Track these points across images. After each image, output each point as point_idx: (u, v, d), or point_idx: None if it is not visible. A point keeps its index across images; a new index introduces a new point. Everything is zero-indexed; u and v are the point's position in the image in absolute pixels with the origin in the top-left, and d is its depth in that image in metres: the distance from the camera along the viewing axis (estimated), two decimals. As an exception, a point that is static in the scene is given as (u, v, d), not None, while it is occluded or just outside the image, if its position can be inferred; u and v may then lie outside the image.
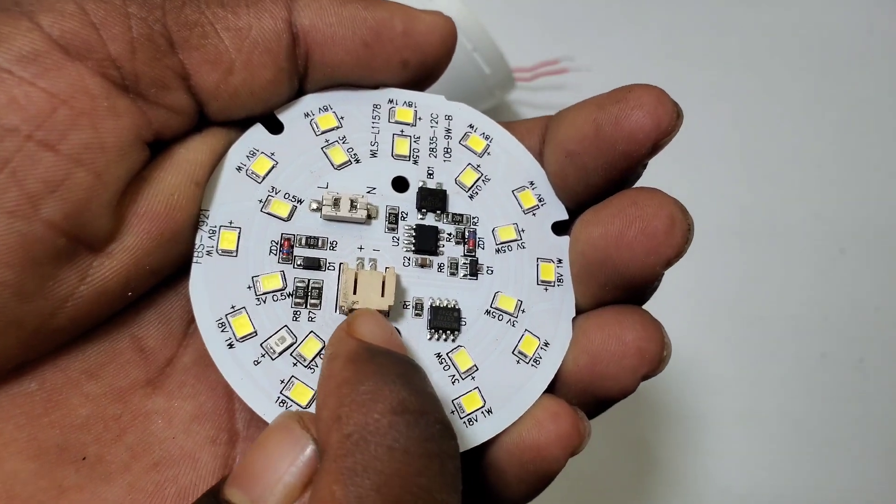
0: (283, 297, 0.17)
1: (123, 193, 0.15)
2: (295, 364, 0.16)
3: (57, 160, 0.14)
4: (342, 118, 0.19)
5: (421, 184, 0.19)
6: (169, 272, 0.17)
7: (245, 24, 0.16)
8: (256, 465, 0.13)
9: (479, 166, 0.20)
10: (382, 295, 0.17)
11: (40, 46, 0.14)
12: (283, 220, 0.18)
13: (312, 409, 0.16)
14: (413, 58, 0.18)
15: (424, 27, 0.18)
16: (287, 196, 0.18)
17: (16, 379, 0.16)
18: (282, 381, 0.16)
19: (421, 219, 0.19)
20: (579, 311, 0.19)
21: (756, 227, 0.43)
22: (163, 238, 0.16)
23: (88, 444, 0.16)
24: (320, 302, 0.17)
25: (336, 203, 0.18)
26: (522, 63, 0.41)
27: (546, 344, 0.18)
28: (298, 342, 0.17)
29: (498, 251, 0.19)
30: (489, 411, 0.17)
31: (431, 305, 0.18)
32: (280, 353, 0.16)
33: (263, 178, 0.18)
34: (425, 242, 0.18)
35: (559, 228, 0.19)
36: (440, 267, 0.18)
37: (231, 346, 0.16)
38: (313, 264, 0.17)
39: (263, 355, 0.16)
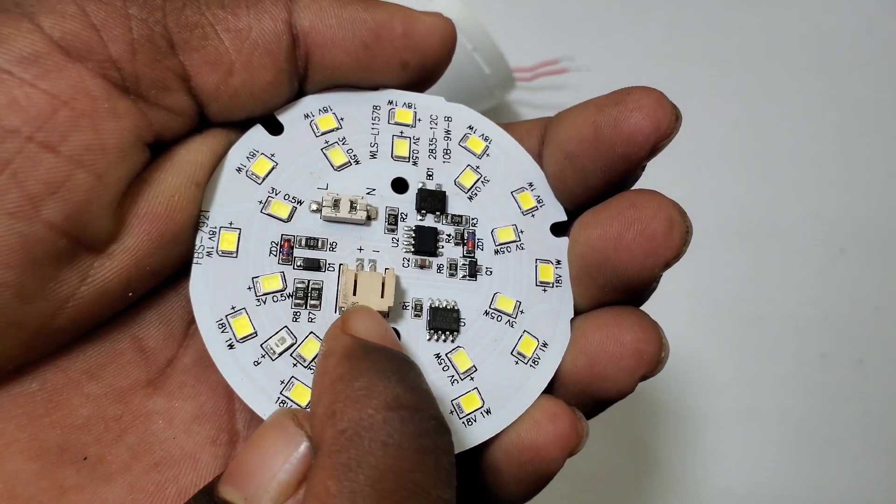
0: (283, 298, 0.17)
1: (124, 195, 0.15)
2: (295, 365, 0.17)
3: (58, 161, 0.14)
4: (342, 119, 0.19)
5: (420, 185, 0.19)
6: (169, 273, 0.17)
7: (245, 26, 0.16)
8: (250, 463, 0.14)
9: (478, 167, 0.20)
10: (382, 296, 0.17)
11: (41, 48, 0.14)
12: (283, 221, 0.18)
13: (312, 410, 0.16)
14: (413, 59, 0.18)
15: (424, 29, 0.18)
16: (287, 197, 0.18)
17: (17, 379, 0.16)
18: (282, 382, 0.16)
19: (420, 220, 0.19)
20: (578, 312, 0.19)
21: (756, 227, 0.43)
22: (163, 239, 0.16)
23: (89, 445, 0.16)
24: (320, 303, 0.17)
25: (336, 204, 0.18)
26: (522, 63, 0.41)
27: (545, 345, 0.18)
28: (298, 343, 0.17)
29: (497, 252, 0.19)
30: (488, 412, 0.17)
31: (431, 306, 0.18)
32: (280, 354, 0.17)
33: (263, 179, 0.18)
34: (425, 243, 0.18)
35: (558, 230, 0.20)
36: (439, 268, 0.18)
37: (231, 346, 0.16)
38: (313, 265, 0.17)
39: (263, 356, 0.16)
